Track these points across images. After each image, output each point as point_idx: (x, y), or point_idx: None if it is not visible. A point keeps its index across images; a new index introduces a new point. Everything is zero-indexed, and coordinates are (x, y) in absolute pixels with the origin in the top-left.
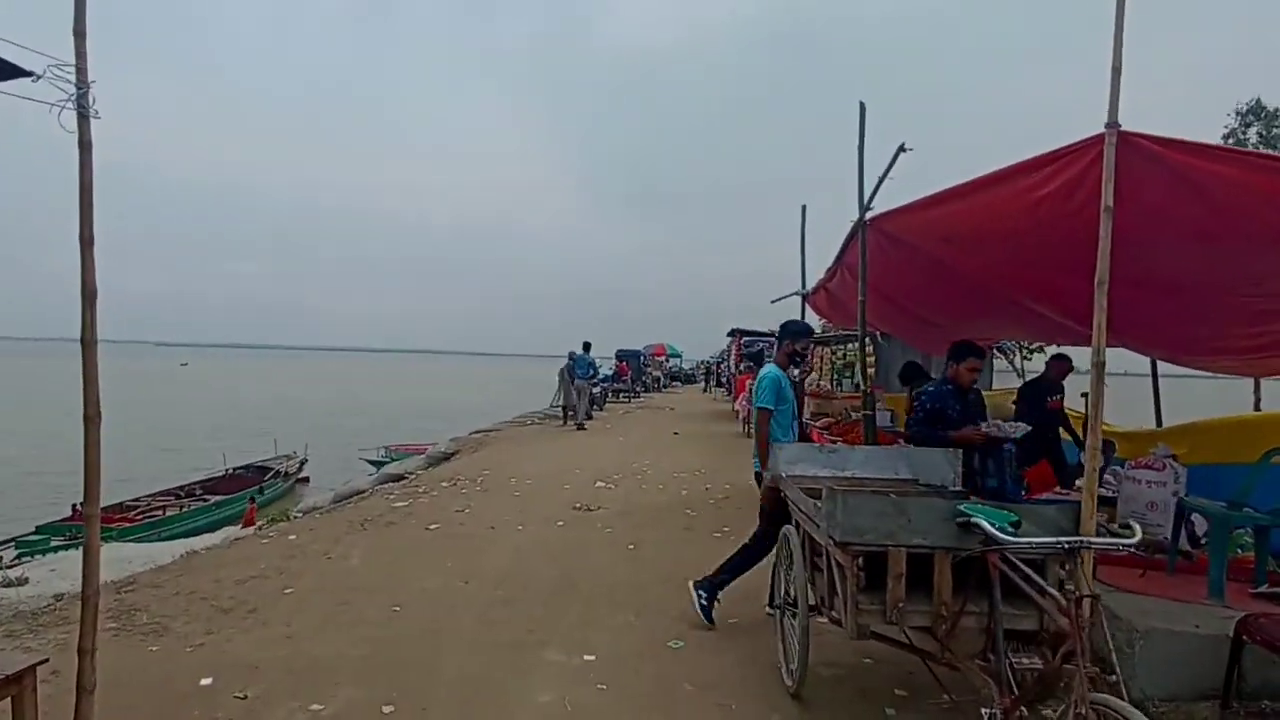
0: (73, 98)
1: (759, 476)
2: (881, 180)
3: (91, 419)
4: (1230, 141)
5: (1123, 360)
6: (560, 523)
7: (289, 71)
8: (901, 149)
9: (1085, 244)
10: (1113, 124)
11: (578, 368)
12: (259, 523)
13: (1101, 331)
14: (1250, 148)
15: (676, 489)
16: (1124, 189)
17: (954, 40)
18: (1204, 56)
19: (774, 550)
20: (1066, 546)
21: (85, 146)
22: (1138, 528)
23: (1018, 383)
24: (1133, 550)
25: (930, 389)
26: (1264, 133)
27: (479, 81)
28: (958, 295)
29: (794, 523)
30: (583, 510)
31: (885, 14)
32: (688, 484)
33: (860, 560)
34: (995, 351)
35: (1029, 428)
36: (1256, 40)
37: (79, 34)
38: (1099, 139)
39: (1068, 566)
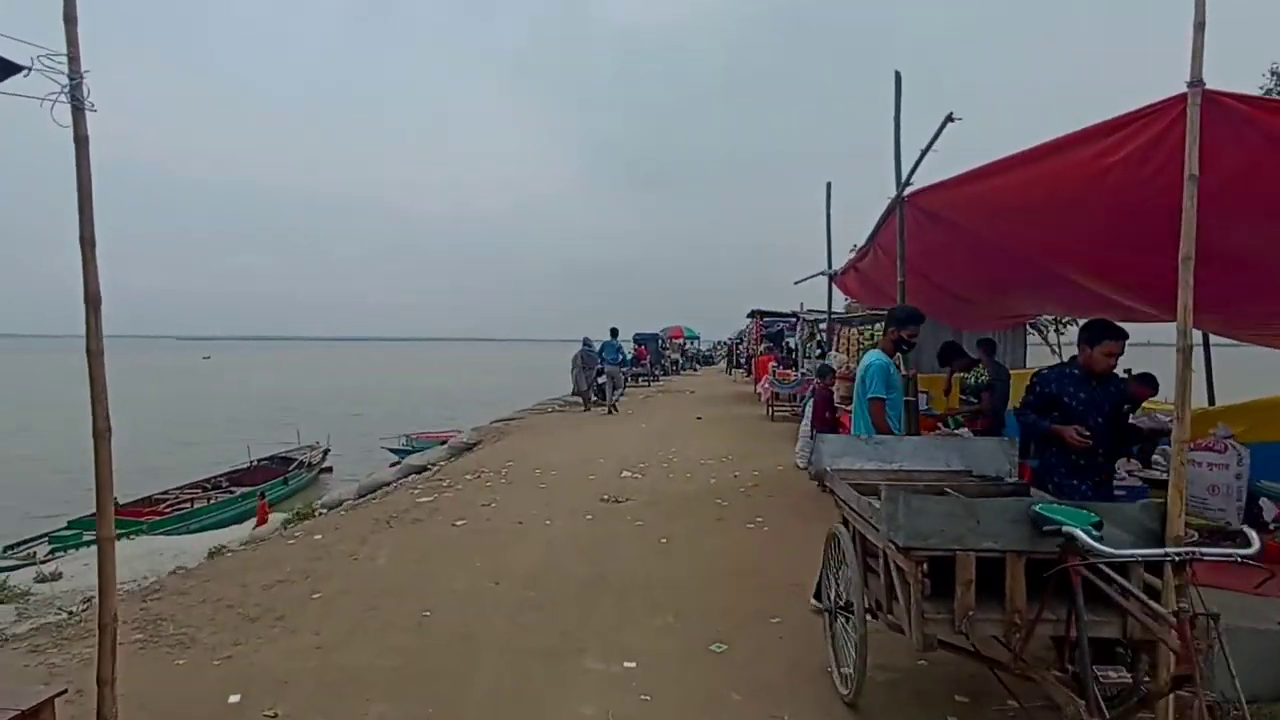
0: (65, 89)
1: None
2: (924, 154)
3: (101, 433)
4: None
5: (1148, 330)
6: (588, 516)
7: (297, 68)
8: (949, 119)
9: (1158, 216)
10: (1196, 82)
11: (607, 353)
12: (284, 517)
13: (1188, 312)
14: None
15: (704, 477)
16: (1205, 154)
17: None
18: (1235, 13)
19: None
20: (1176, 559)
21: (81, 141)
22: (1254, 536)
23: (1052, 359)
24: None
25: (1048, 372)
26: None
27: (481, 68)
28: (999, 272)
29: (842, 520)
30: (610, 502)
31: None
32: (715, 471)
33: (925, 566)
34: (1028, 327)
35: None
36: None
37: (70, 20)
38: (1179, 100)
39: (1177, 580)
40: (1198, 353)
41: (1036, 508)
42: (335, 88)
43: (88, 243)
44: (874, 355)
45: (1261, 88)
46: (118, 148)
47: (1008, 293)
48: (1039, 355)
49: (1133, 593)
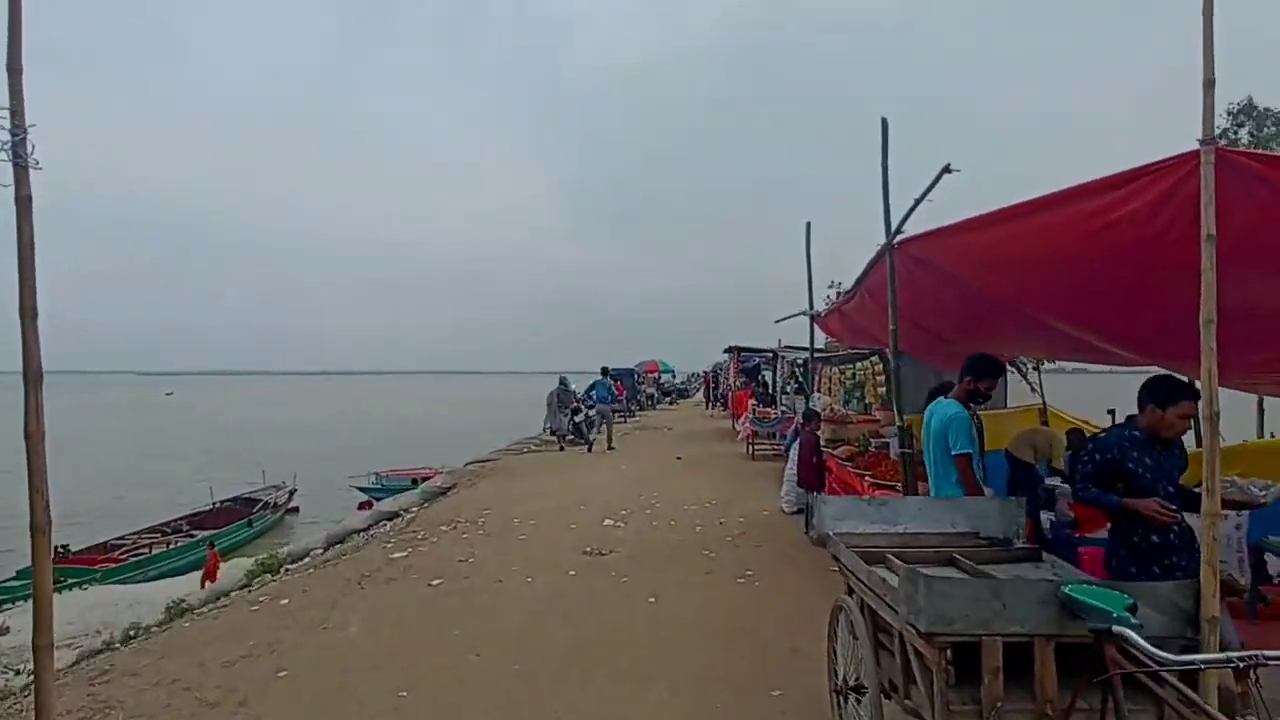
0: (6, 145)
1: None
2: (917, 203)
3: (40, 528)
4: (1222, 142)
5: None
6: (571, 571)
7: (267, 99)
8: (946, 170)
9: (1163, 272)
10: (1209, 140)
11: (598, 391)
12: (247, 564)
13: (1212, 377)
14: (1243, 148)
15: (689, 524)
16: (1217, 212)
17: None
18: (1189, 54)
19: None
20: (1240, 665)
21: (24, 202)
22: None
23: (1033, 399)
24: None
25: (1106, 435)
26: (1255, 132)
27: (458, 102)
28: (988, 318)
29: (848, 589)
30: (594, 554)
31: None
32: (700, 518)
33: (948, 652)
34: (1009, 367)
35: None
36: (1246, 38)
37: (14, 71)
38: (1190, 157)
39: (1240, 688)
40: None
41: (1067, 589)
42: (306, 119)
43: (28, 314)
44: (951, 406)
45: (1218, 128)
46: (75, 175)
47: (995, 336)
48: (1019, 394)
49: (1170, 683)
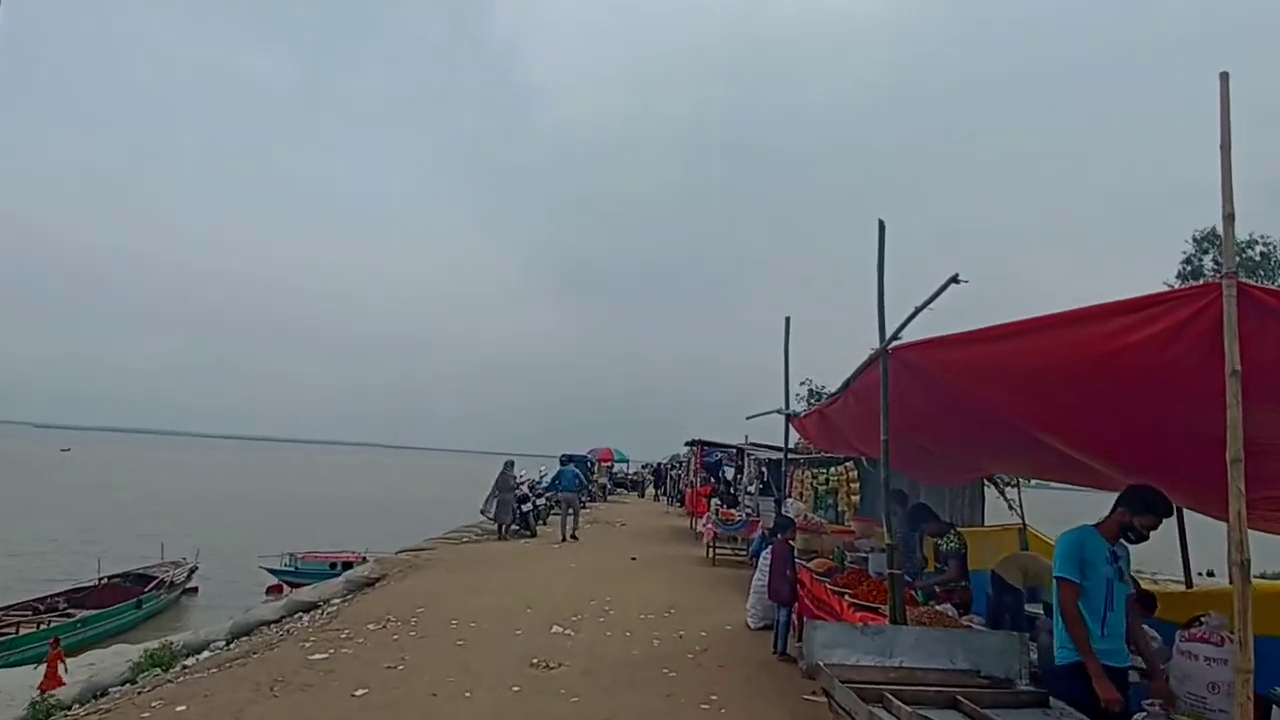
0: None
1: (1065, 671)
2: (918, 311)
3: None
4: (1187, 269)
5: None
6: (516, 687)
7: (202, 145)
8: (954, 280)
9: (1171, 400)
10: (1231, 273)
11: (564, 480)
12: (133, 653)
13: (1242, 520)
14: (1207, 274)
15: (646, 635)
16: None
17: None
18: (1163, 177)
19: None
20: None
21: None
22: None
23: (1010, 516)
24: None
25: None
26: (1219, 259)
27: (415, 169)
28: (977, 432)
29: None
30: (541, 668)
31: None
32: (658, 628)
33: None
34: (986, 483)
35: None
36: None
37: None
38: (1209, 289)
39: None
40: (1170, 527)
41: None
42: (245, 169)
43: None
44: (1083, 529)
45: (1183, 254)
46: None
47: (980, 451)
48: (997, 512)
49: None
